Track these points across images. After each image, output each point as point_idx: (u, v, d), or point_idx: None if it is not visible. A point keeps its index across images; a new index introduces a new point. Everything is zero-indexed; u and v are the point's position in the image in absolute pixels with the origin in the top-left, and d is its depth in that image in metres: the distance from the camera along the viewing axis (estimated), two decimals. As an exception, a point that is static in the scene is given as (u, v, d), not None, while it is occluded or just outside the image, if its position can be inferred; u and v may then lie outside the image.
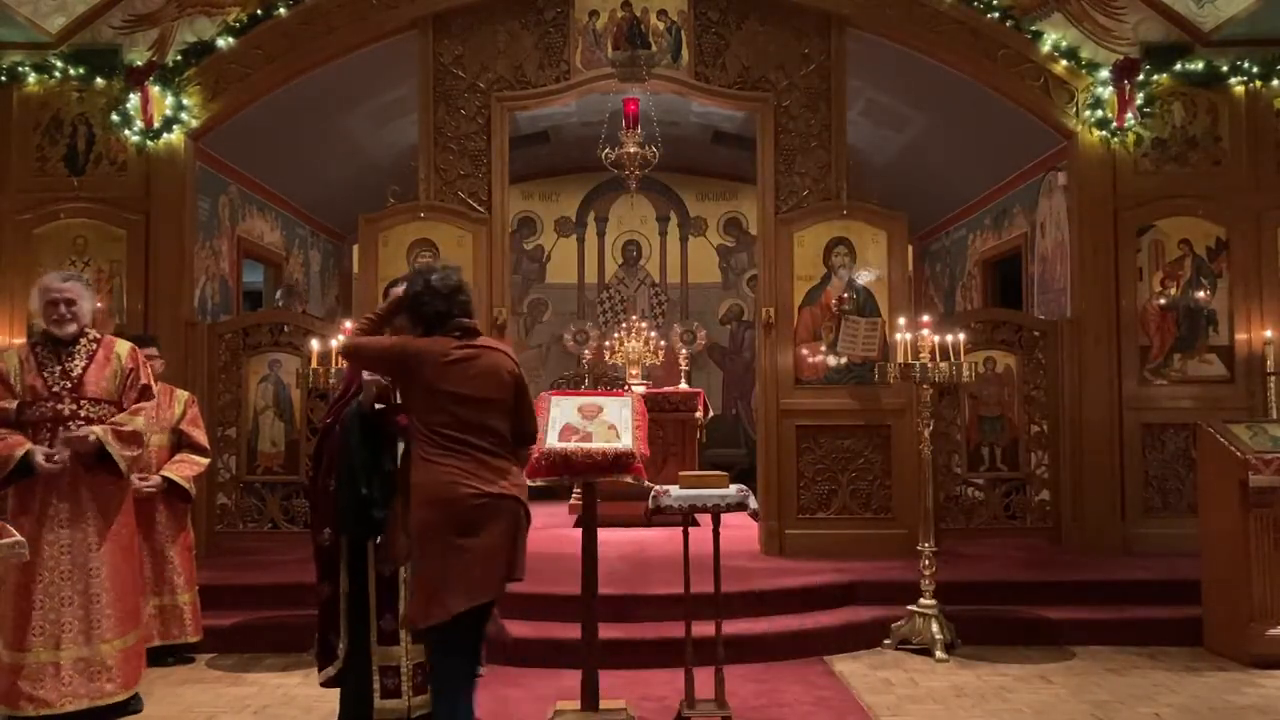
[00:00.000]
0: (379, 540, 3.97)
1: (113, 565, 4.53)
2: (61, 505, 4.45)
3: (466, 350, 3.76)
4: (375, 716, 4.03)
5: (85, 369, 4.55)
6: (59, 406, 4.47)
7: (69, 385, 4.50)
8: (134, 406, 4.63)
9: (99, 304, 4.73)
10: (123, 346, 4.72)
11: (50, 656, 4.34)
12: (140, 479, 5.09)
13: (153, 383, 4.82)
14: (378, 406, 4.04)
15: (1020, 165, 8.68)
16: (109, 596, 4.49)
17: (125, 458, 4.52)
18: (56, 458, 4.39)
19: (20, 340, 7.13)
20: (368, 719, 4.05)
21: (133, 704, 4.63)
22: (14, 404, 4.46)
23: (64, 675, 4.35)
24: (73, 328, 4.54)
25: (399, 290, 4.13)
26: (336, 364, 5.60)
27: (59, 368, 4.52)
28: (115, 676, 4.47)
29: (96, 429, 4.47)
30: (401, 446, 3.97)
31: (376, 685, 4.04)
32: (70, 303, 4.53)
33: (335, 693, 4.28)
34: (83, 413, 4.51)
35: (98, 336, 4.66)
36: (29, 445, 4.38)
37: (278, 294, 9.42)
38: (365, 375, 4.04)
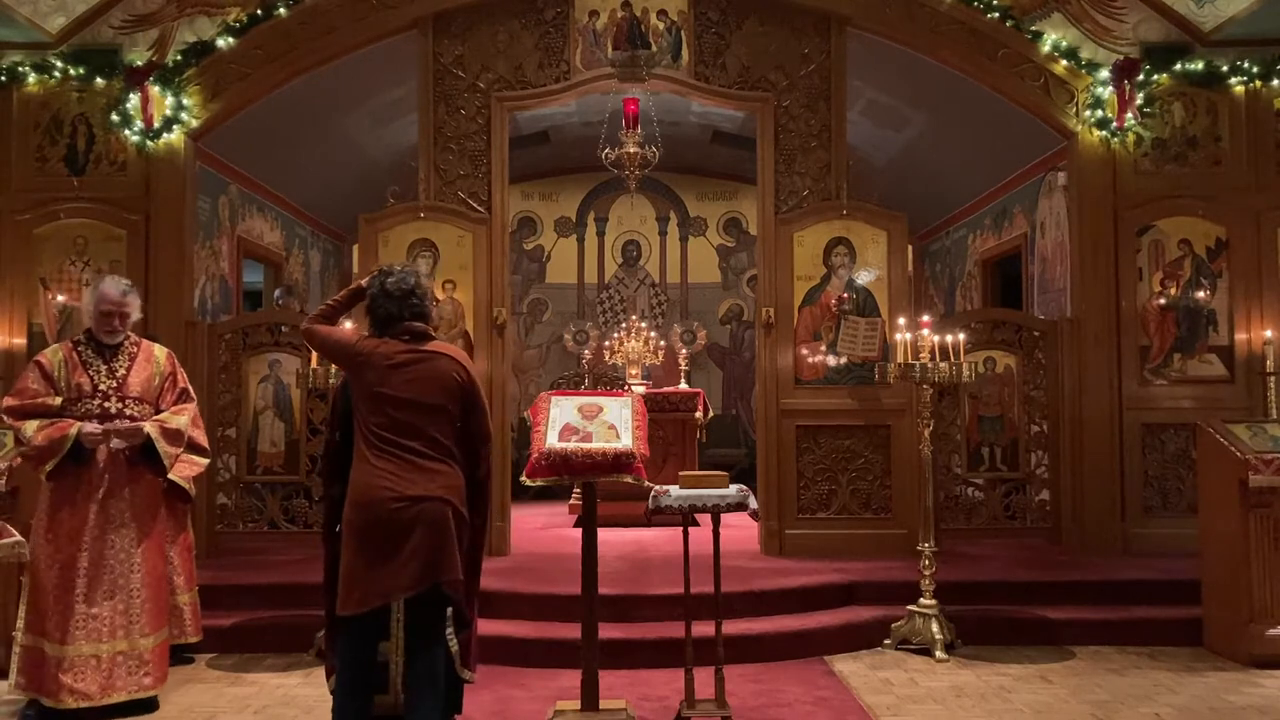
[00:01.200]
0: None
1: (150, 563, 4.70)
2: (108, 502, 4.60)
3: (411, 354, 3.82)
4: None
5: (129, 370, 4.74)
6: (105, 404, 4.64)
7: (114, 384, 4.68)
8: (178, 407, 4.85)
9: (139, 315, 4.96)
10: (160, 351, 4.94)
11: (93, 649, 4.47)
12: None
13: (190, 387, 5.02)
14: None
15: (1020, 165, 8.68)
16: (148, 592, 4.66)
17: (169, 454, 4.72)
18: (103, 436, 4.53)
19: (21, 341, 7.14)
20: None
21: (153, 702, 4.69)
22: (58, 400, 4.61)
23: (105, 668, 4.49)
24: (121, 337, 4.77)
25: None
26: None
27: (105, 367, 4.70)
28: (152, 671, 4.64)
29: (147, 424, 4.66)
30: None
31: None
32: (125, 317, 4.76)
33: (335, 693, 4.30)
34: (128, 411, 4.69)
35: (137, 340, 4.85)
36: (78, 424, 4.53)
37: (276, 293, 9.42)
38: None
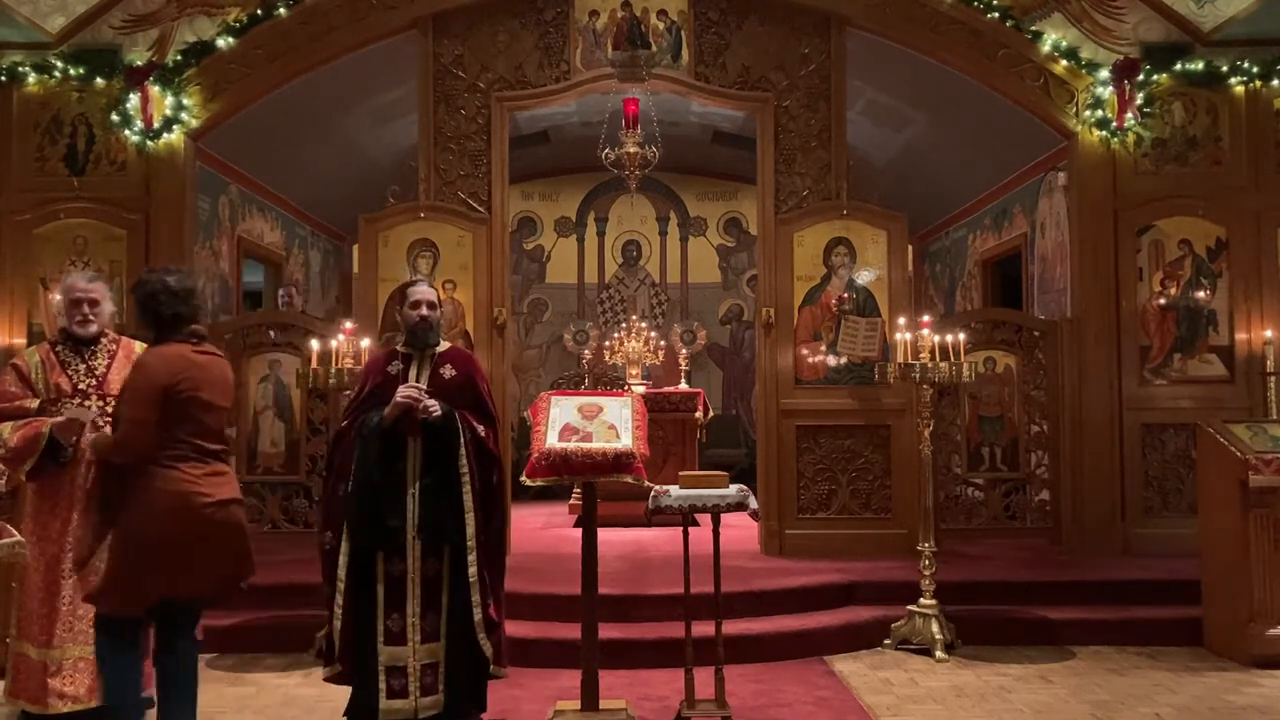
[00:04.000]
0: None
1: None
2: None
3: (205, 357, 3.85)
4: (381, 717, 4.03)
5: (108, 368, 4.60)
6: (85, 404, 4.52)
7: (94, 383, 4.55)
8: None
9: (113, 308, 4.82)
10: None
11: (81, 651, 4.39)
12: None
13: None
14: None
15: (1020, 165, 8.68)
16: None
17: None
18: (68, 424, 4.39)
19: (21, 341, 7.14)
20: (374, 718, 4.05)
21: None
22: (35, 402, 4.50)
23: (93, 670, 4.36)
24: (94, 328, 4.60)
25: (416, 290, 4.27)
26: (336, 364, 5.61)
27: (83, 366, 4.58)
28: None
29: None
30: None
31: (382, 685, 4.04)
32: (94, 303, 4.58)
33: (336, 692, 4.30)
34: (109, 410, 4.53)
35: (116, 337, 4.72)
36: (50, 421, 4.40)
37: (280, 292, 9.43)
38: (400, 394, 4.04)
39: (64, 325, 4.66)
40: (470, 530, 4.06)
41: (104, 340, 4.64)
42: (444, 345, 4.36)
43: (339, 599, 4.07)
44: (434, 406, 4.04)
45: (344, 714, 4.14)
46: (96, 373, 4.57)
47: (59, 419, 4.39)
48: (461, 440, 4.08)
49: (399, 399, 4.03)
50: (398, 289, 4.43)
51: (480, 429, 4.15)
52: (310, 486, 7.03)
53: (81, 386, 4.54)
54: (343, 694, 4.19)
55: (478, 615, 4.05)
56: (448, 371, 4.22)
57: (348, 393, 5.25)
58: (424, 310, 4.24)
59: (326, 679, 4.18)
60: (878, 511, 7.19)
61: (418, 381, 4.15)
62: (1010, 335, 7.44)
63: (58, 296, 4.73)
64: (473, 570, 4.06)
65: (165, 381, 3.71)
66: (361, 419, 4.11)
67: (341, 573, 4.07)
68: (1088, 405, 7.28)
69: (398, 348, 4.37)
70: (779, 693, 5.01)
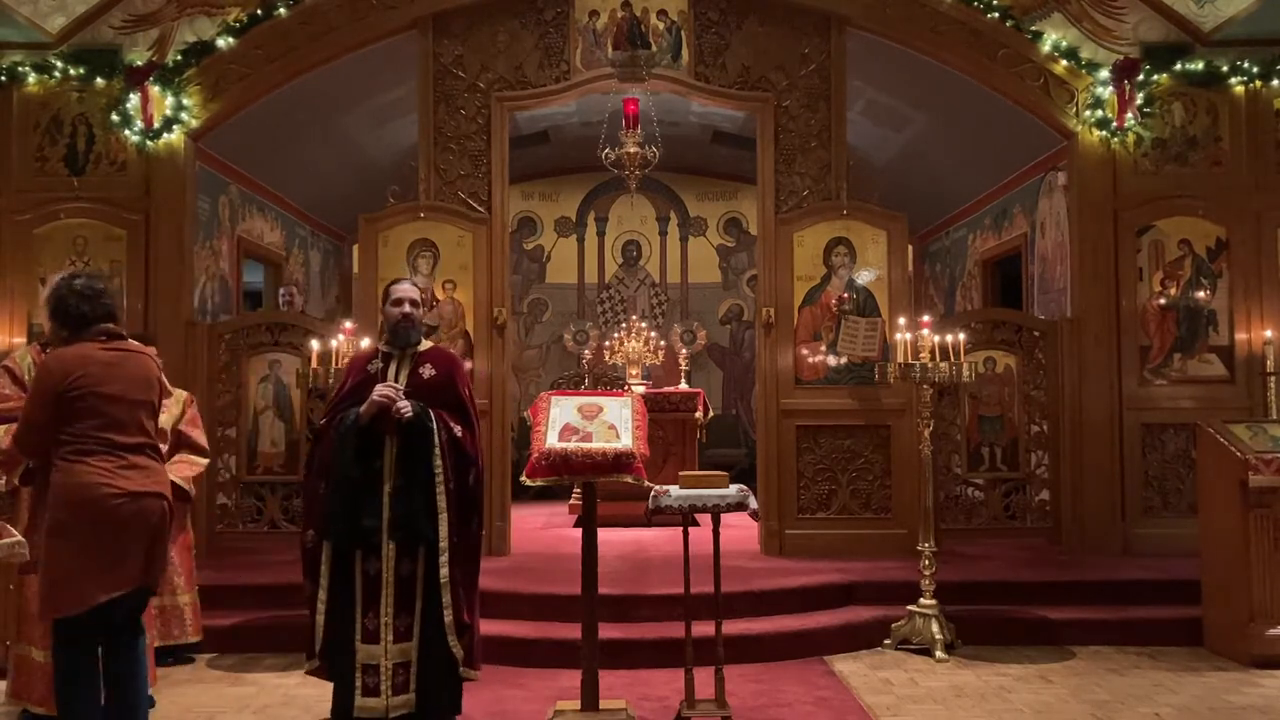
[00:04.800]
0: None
1: None
2: None
3: (115, 353, 3.88)
4: (355, 714, 4.04)
5: None
6: None
7: None
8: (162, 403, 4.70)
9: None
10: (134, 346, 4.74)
11: None
12: None
13: (166, 382, 4.83)
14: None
15: (1020, 165, 8.67)
16: None
17: None
18: None
19: (21, 340, 7.13)
20: (351, 716, 4.06)
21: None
22: None
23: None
24: None
25: (399, 288, 4.25)
26: (336, 364, 5.60)
27: None
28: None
29: None
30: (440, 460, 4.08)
31: (358, 683, 4.04)
32: None
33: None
34: None
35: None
36: None
37: (280, 291, 9.42)
38: (375, 392, 4.04)
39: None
40: (443, 531, 4.05)
41: None
42: (425, 345, 4.35)
43: (321, 595, 4.08)
44: (405, 407, 4.03)
45: (330, 715, 4.15)
46: None
47: None
48: (436, 441, 4.06)
49: (374, 397, 4.03)
50: (387, 286, 4.41)
51: (457, 429, 4.13)
52: (310, 486, 7.03)
53: None
54: (343, 694, 4.19)
55: (448, 617, 4.05)
56: (427, 371, 4.22)
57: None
58: (406, 308, 4.24)
59: (308, 673, 4.20)
60: (878, 511, 7.19)
61: (396, 380, 4.15)
62: (1010, 335, 7.45)
63: (44, 297, 4.66)
64: (444, 572, 4.05)
65: (58, 381, 3.76)
66: (340, 417, 4.11)
67: (324, 569, 4.08)
68: (1088, 405, 7.28)
69: (379, 346, 4.38)
70: (779, 693, 5.01)
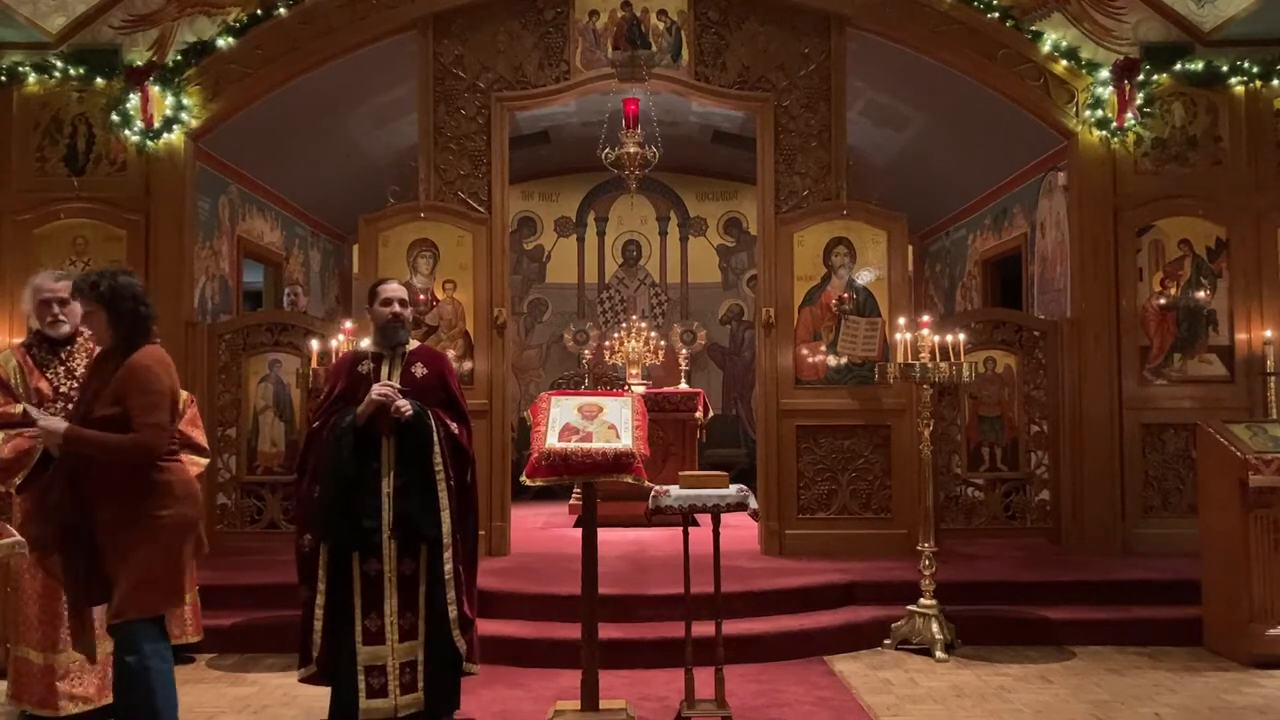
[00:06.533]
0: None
1: None
2: None
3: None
4: (361, 716, 4.04)
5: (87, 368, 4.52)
6: (68, 407, 4.37)
7: (75, 385, 4.44)
8: None
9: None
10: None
11: None
12: None
13: None
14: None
15: (1020, 165, 8.68)
16: None
17: None
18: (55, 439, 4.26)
19: (20, 340, 7.12)
20: (354, 719, 4.05)
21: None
22: (19, 408, 4.40)
23: (101, 669, 4.37)
24: (66, 328, 4.51)
25: (387, 288, 4.27)
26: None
27: (61, 368, 4.50)
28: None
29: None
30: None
31: (362, 685, 4.04)
32: (63, 302, 4.48)
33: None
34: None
35: (91, 335, 4.55)
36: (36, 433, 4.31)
37: (285, 291, 9.43)
38: (374, 392, 4.04)
39: (36, 327, 4.58)
40: (446, 527, 4.10)
41: (79, 340, 4.54)
42: (413, 344, 4.37)
43: (319, 600, 4.08)
44: (405, 406, 4.05)
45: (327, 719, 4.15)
46: (76, 374, 4.47)
47: (35, 430, 4.17)
48: (436, 438, 4.10)
49: (373, 396, 4.05)
50: (373, 285, 4.39)
51: (453, 426, 4.18)
52: (310, 486, 7.03)
53: (63, 389, 4.44)
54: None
55: (453, 613, 4.09)
56: (419, 370, 4.24)
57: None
58: (395, 307, 4.25)
59: (301, 679, 4.21)
60: (878, 511, 7.19)
61: (390, 380, 4.16)
62: (1010, 335, 7.45)
63: (27, 298, 4.60)
64: (448, 567, 4.09)
65: (172, 383, 3.81)
66: (334, 419, 4.11)
67: (321, 573, 4.08)
68: (1087, 405, 7.28)
69: (367, 347, 4.39)
70: (779, 693, 5.01)
